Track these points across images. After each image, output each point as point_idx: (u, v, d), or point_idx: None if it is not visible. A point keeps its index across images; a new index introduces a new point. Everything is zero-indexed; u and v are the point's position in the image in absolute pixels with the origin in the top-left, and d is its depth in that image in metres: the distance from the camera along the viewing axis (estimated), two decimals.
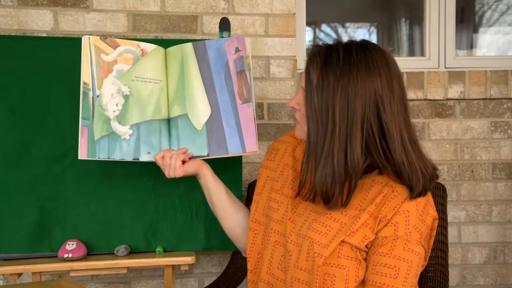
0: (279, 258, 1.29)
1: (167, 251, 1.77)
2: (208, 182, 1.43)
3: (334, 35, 2.90)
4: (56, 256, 1.69)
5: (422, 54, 2.28)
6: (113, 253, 1.73)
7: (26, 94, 1.73)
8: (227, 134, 1.45)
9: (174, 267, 1.77)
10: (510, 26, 2.64)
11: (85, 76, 1.39)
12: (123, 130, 1.43)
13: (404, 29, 2.75)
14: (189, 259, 1.72)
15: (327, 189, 1.17)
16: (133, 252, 1.75)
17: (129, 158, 1.41)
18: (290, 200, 1.31)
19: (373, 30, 3.07)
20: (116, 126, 1.41)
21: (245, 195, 1.95)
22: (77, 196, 1.74)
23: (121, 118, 1.42)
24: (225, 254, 2.06)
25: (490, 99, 2.18)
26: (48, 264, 1.66)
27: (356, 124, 1.14)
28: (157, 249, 1.75)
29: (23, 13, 1.92)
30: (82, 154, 1.36)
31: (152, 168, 1.79)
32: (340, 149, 1.15)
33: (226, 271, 1.91)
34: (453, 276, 2.20)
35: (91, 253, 1.72)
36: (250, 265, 1.37)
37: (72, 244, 1.69)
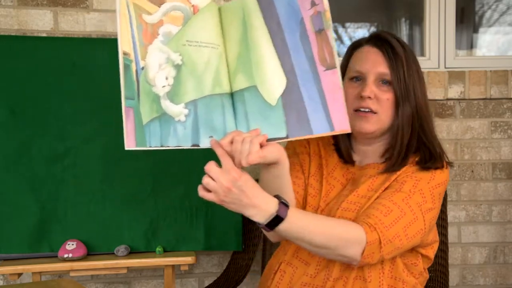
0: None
1: (167, 251, 1.77)
2: (286, 171, 1.18)
3: (334, 35, 2.89)
4: (56, 256, 1.69)
5: (422, 54, 2.28)
6: (113, 253, 1.73)
7: (26, 94, 1.73)
8: (309, 109, 1.12)
9: (174, 267, 1.77)
10: (510, 26, 2.64)
11: (125, 43, 1.10)
12: (177, 110, 1.12)
13: (404, 29, 2.75)
14: (189, 259, 1.72)
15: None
16: (133, 252, 1.75)
17: (187, 144, 1.11)
18: (323, 187, 1.33)
19: (373, 30, 3.07)
20: (167, 105, 1.11)
21: None
22: (77, 196, 1.74)
23: (173, 95, 1.12)
24: (225, 254, 2.06)
25: (490, 99, 2.18)
26: (48, 264, 1.66)
27: (423, 108, 1.27)
28: (157, 249, 1.75)
29: (23, 13, 1.92)
30: (130, 143, 1.08)
31: (152, 168, 1.79)
32: (415, 129, 1.27)
33: (226, 271, 1.91)
34: (453, 276, 2.20)
35: (91, 253, 1.72)
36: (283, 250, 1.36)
37: (72, 244, 1.69)
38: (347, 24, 2.95)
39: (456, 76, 2.15)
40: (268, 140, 1.12)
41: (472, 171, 2.19)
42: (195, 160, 1.81)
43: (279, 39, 1.15)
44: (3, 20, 1.91)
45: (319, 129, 1.11)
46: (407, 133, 1.26)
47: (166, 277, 1.76)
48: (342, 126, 1.10)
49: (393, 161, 1.27)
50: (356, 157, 1.34)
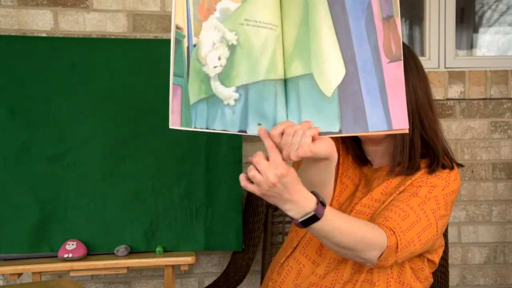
0: (319, 242, 1.26)
1: (167, 251, 1.77)
2: (333, 166, 1.13)
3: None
4: (56, 256, 1.69)
5: (422, 54, 2.28)
6: (113, 253, 1.73)
7: (26, 94, 1.73)
8: (366, 104, 1.05)
9: (174, 267, 1.77)
10: (510, 26, 2.64)
11: (179, 17, 1.02)
12: (227, 93, 1.06)
13: (404, 29, 2.75)
14: (189, 259, 1.72)
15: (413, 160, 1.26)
16: (133, 252, 1.75)
17: (234, 129, 1.05)
18: (337, 186, 1.32)
19: None
20: (217, 87, 1.04)
21: (245, 195, 1.95)
22: (77, 196, 1.74)
23: (224, 77, 1.05)
24: (225, 254, 2.06)
25: (490, 99, 2.18)
26: (48, 264, 1.66)
27: (425, 105, 1.26)
28: (157, 249, 1.75)
29: (23, 13, 1.92)
30: (175, 121, 1.01)
31: (153, 168, 1.79)
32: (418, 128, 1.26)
33: (226, 271, 1.91)
34: (453, 276, 2.20)
35: (91, 253, 1.72)
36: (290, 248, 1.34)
37: (72, 244, 1.68)
38: None
39: (456, 76, 2.15)
40: (320, 134, 1.05)
41: (472, 171, 2.19)
42: (195, 160, 1.82)
43: (343, 24, 1.06)
44: (3, 20, 1.91)
45: (376, 126, 1.03)
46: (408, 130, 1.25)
47: (166, 277, 1.76)
48: (400, 124, 1.04)
49: (401, 160, 1.25)
50: (369, 158, 1.33)
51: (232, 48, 1.05)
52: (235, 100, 1.05)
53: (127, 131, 1.77)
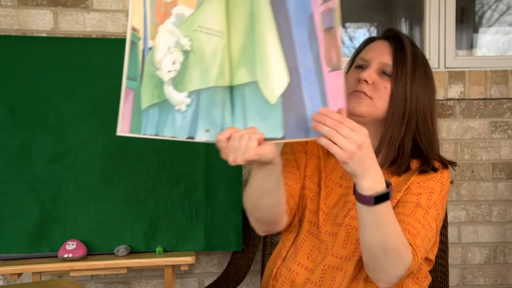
0: (310, 248, 1.28)
1: (167, 251, 1.77)
2: (278, 171, 1.15)
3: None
4: (56, 256, 1.69)
5: None
6: (113, 253, 1.73)
7: (26, 94, 1.73)
8: (308, 111, 1.07)
9: (174, 267, 1.77)
10: (510, 26, 2.64)
11: (135, 18, 1.02)
12: (180, 98, 1.06)
13: (404, 29, 2.75)
14: (189, 259, 1.72)
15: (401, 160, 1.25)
16: (133, 252, 1.75)
17: (182, 136, 1.06)
18: (322, 190, 1.31)
19: (373, 30, 3.07)
20: (170, 91, 1.04)
21: None
22: (77, 196, 1.74)
23: (177, 82, 1.05)
24: (225, 254, 2.06)
25: (490, 99, 2.18)
26: (48, 264, 1.66)
27: (426, 114, 1.26)
28: (157, 249, 1.75)
29: (23, 13, 1.92)
30: (124, 128, 1.03)
31: (152, 168, 1.79)
32: (411, 129, 1.25)
33: (226, 271, 1.91)
34: (453, 276, 2.20)
35: (91, 253, 1.72)
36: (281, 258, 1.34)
37: (72, 244, 1.69)
38: (347, 24, 2.94)
39: (456, 76, 2.15)
40: (265, 139, 1.08)
41: (472, 171, 2.19)
42: (196, 160, 1.82)
43: (286, 34, 1.08)
44: (3, 20, 1.91)
45: (317, 133, 1.05)
46: (399, 131, 1.23)
47: (166, 277, 1.76)
48: None
49: (386, 153, 1.24)
50: None
51: (185, 53, 1.06)
52: (187, 106, 1.06)
53: None
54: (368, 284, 1.21)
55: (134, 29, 1.02)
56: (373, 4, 2.91)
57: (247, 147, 1.03)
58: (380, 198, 1.05)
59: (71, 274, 1.68)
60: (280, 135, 1.07)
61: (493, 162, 2.20)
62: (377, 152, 1.22)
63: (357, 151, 1.00)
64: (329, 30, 1.08)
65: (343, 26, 3.00)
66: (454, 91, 2.15)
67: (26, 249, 1.71)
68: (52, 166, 1.74)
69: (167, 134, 1.05)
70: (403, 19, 2.78)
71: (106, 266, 1.67)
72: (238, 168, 1.83)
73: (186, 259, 1.72)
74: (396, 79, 1.22)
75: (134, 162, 1.78)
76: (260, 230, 1.30)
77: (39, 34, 1.92)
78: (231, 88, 1.10)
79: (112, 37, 1.95)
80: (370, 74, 1.22)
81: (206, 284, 2.07)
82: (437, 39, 2.23)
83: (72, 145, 1.75)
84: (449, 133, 2.17)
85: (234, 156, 1.04)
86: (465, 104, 2.18)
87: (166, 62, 1.04)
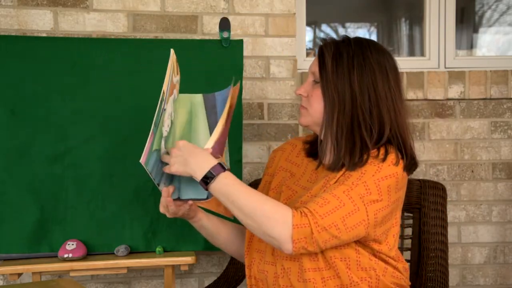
0: (272, 248, 1.33)
1: (167, 251, 1.77)
2: (204, 224, 1.47)
3: (334, 35, 2.90)
4: (56, 256, 1.69)
5: (422, 54, 2.28)
6: (113, 253, 1.73)
7: (26, 94, 1.73)
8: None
9: (174, 267, 1.77)
10: (510, 26, 2.64)
11: (165, 85, 1.31)
12: (164, 152, 1.37)
13: (404, 29, 2.75)
14: (189, 259, 1.72)
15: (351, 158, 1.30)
16: (133, 252, 1.75)
17: (156, 180, 1.34)
18: (283, 192, 1.41)
19: (373, 30, 3.07)
20: (162, 146, 1.34)
21: None
22: (77, 196, 1.74)
23: (166, 140, 1.36)
24: (225, 254, 2.06)
25: (490, 99, 2.18)
26: (48, 264, 1.66)
27: (360, 105, 1.30)
28: (157, 249, 1.75)
29: (23, 13, 1.92)
30: (143, 159, 1.27)
31: None
32: (348, 125, 1.30)
33: (226, 271, 1.91)
34: (453, 276, 2.20)
35: (91, 253, 1.72)
36: (247, 261, 1.42)
37: (72, 244, 1.69)
38: (347, 24, 2.95)
39: (456, 76, 2.15)
40: (192, 200, 1.37)
41: (472, 171, 2.19)
42: None
43: (214, 124, 1.39)
44: (3, 20, 1.91)
45: (204, 192, 1.34)
46: (338, 131, 1.30)
47: (166, 277, 1.76)
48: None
49: (339, 154, 1.30)
50: (325, 159, 1.38)
51: (172, 123, 1.39)
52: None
53: (127, 131, 1.77)
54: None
55: (164, 92, 1.30)
56: (373, 4, 2.91)
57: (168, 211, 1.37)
58: (208, 178, 1.23)
59: (71, 274, 1.68)
60: (204, 196, 1.37)
61: (493, 162, 2.20)
62: (333, 151, 1.33)
63: (173, 158, 1.27)
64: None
65: (343, 26, 3.01)
66: (454, 91, 2.15)
67: (26, 249, 1.71)
68: (52, 166, 1.74)
69: (154, 175, 1.32)
70: (403, 19, 2.79)
71: (106, 266, 1.67)
72: (238, 168, 1.83)
73: (186, 259, 1.72)
74: (322, 83, 1.32)
75: (134, 162, 1.76)
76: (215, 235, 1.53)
77: (39, 34, 1.92)
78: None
79: (112, 37, 1.95)
80: (303, 87, 1.37)
81: (206, 284, 2.07)
82: (437, 39, 2.23)
83: (72, 145, 1.75)
84: (449, 133, 2.18)
85: (163, 210, 1.38)
86: (465, 104, 2.18)
87: (167, 123, 1.36)
